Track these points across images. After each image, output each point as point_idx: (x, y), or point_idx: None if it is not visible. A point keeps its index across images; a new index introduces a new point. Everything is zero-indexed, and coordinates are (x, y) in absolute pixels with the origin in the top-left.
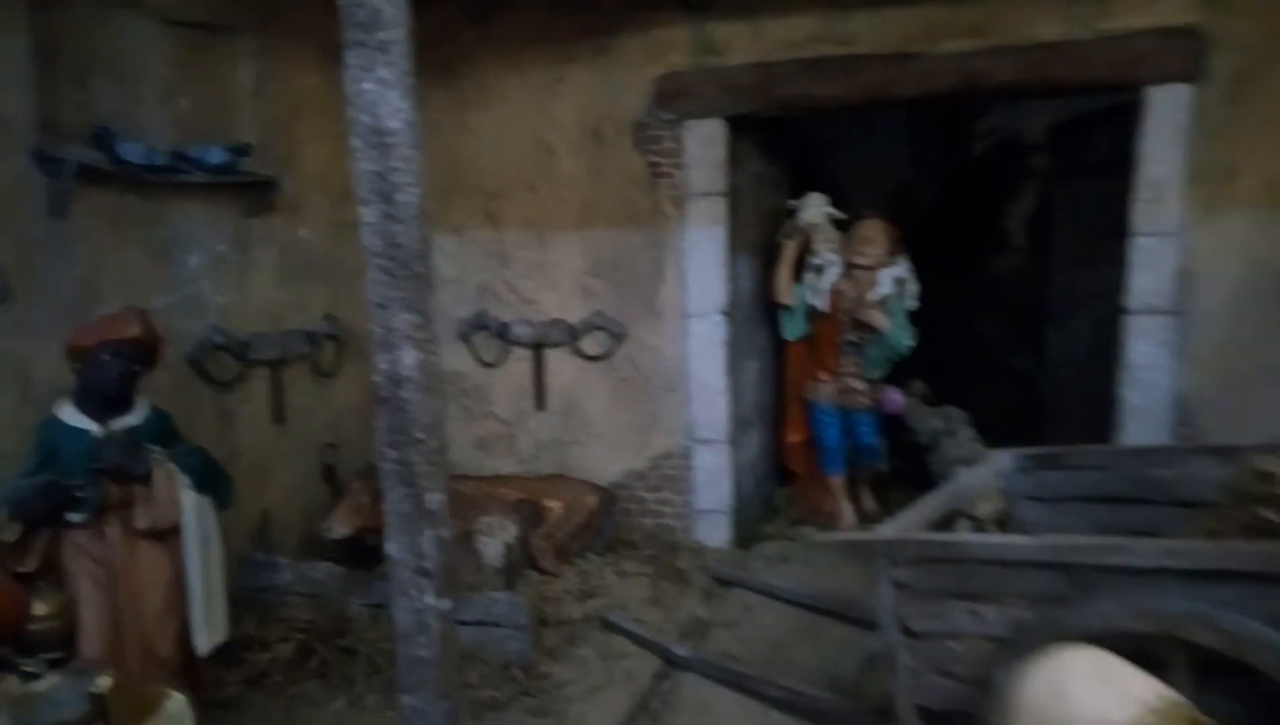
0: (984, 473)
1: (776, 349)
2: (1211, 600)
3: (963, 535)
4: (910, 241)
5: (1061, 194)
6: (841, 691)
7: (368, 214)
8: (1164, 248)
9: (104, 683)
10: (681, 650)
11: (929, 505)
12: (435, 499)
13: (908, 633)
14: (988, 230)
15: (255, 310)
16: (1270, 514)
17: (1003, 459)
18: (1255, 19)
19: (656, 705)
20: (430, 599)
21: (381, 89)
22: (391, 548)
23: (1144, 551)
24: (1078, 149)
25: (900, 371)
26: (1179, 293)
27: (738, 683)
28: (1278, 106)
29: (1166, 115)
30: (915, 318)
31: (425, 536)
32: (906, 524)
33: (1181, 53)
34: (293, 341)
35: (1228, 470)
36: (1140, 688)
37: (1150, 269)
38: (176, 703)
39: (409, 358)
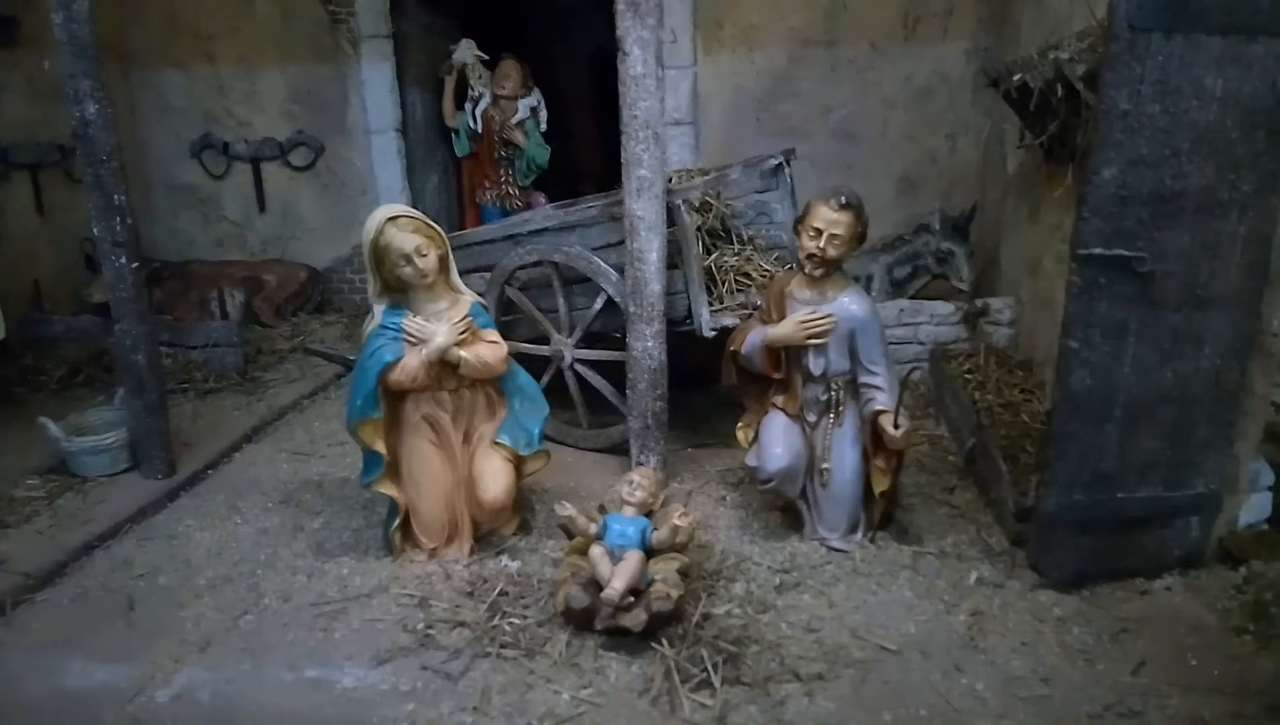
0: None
1: (457, 167)
2: (565, 242)
3: (467, 232)
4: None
5: None
6: None
7: (56, 18)
8: (683, 77)
9: None
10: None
11: (484, 231)
12: (120, 199)
13: None
14: None
15: (11, 125)
16: None
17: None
18: None
19: (332, 389)
20: (124, 260)
21: None
22: (95, 229)
23: (535, 219)
24: None
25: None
26: (694, 110)
27: None
28: None
29: None
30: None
31: (117, 221)
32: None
33: None
34: (46, 151)
35: None
36: (403, 209)
37: (675, 93)
38: None
39: (92, 108)
